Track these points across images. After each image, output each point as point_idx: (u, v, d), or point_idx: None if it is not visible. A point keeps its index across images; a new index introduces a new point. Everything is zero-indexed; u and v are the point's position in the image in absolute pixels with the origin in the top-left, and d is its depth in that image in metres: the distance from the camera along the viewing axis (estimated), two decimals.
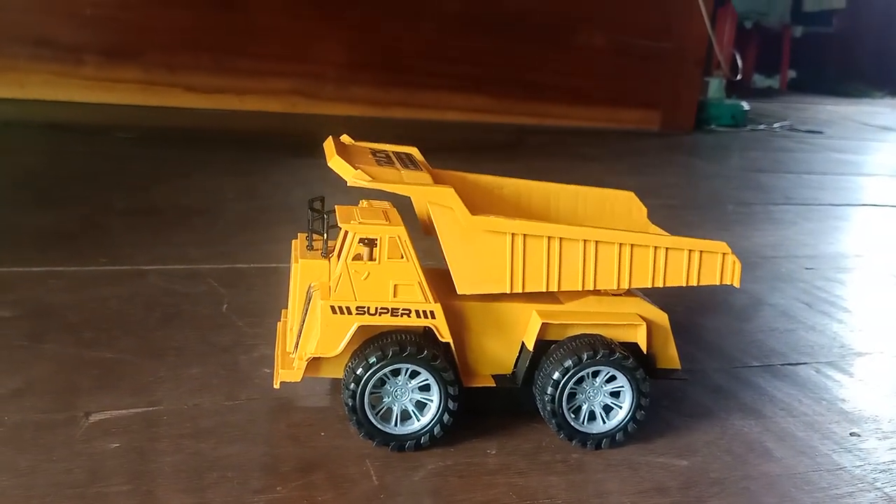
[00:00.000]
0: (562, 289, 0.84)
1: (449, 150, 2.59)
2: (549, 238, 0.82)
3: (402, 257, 0.81)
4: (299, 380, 0.82)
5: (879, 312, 1.41)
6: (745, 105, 3.86)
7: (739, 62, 4.05)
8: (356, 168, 0.79)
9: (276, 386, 0.83)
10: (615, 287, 0.85)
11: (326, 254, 0.86)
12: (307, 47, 2.98)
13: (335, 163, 0.80)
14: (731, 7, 5.46)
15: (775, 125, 3.94)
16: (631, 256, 0.84)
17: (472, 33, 3.15)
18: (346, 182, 0.79)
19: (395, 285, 0.81)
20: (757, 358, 1.16)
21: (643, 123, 3.50)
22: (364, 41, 3.04)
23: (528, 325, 0.86)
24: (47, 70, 2.75)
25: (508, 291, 0.83)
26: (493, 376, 0.87)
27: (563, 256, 0.83)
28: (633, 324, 0.86)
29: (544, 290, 0.84)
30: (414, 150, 0.99)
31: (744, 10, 5.46)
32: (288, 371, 0.83)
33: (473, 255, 0.82)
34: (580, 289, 0.85)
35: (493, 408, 0.93)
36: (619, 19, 3.34)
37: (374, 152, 0.93)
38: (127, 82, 2.83)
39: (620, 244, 0.84)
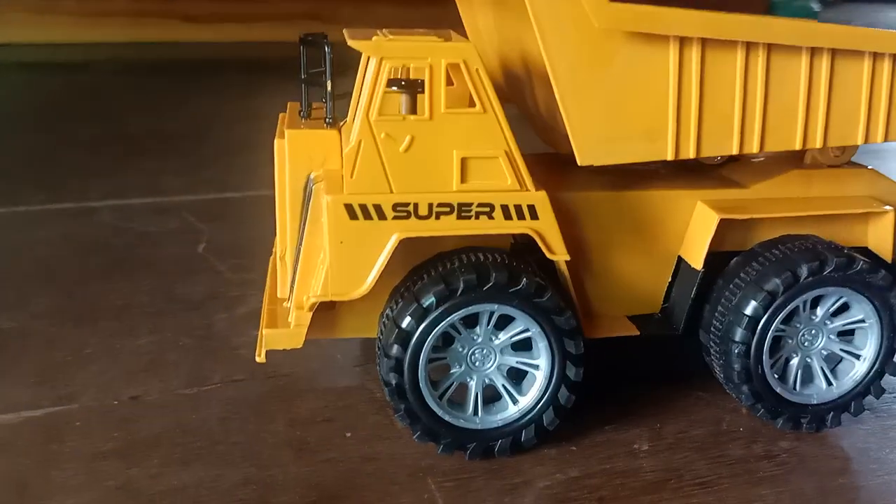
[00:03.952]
0: (766, 148, 0.46)
1: None
2: (746, 45, 0.43)
3: (476, 105, 0.43)
4: (299, 345, 0.46)
5: None
6: None
7: None
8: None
9: (260, 359, 0.48)
10: (864, 141, 0.47)
11: (332, 122, 0.48)
12: None
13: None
14: None
15: None
16: None
17: None
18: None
19: (461, 159, 0.43)
20: None
21: None
22: None
23: (690, 227, 0.48)
24: (21, 7, 2.38)
25: (670, 157, 0.45)
26: (632, 319, 0.50)
27: (771, 81, 0.45)
28: (871, 211, 0.48)
29: (734, 151, 0.46)
30: None
31: None
32: (279, 333, 0.47)
33: (609, 87, 0.44)
34: (799, 147, 0.46)
35: (631, 371, 0.56)
36: None
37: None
38: (114, 16, 2.45)
39: (876, 55, 0.45)
